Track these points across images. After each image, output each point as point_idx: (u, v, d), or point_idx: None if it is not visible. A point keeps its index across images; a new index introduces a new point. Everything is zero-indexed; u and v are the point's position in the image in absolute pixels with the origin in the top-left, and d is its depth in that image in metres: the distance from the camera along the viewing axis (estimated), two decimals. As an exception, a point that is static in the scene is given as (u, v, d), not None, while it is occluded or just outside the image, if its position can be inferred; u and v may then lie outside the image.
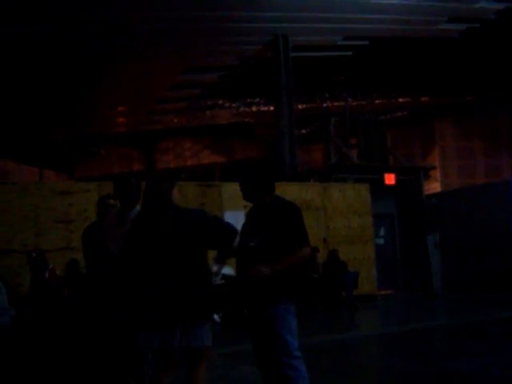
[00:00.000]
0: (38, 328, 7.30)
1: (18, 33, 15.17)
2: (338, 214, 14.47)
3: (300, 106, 23.49)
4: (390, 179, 16.96)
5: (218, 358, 7.24)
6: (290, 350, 4.26)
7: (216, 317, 11.47)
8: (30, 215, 11.21)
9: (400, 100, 25.58)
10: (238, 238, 4.53)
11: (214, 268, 11.93)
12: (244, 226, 4.69)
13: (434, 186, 24.76)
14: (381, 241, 17.25)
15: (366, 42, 18.88)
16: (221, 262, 11.70)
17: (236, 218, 11.31)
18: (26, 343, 7.10)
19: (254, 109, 25.23)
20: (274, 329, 4.26)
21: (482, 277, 14.69)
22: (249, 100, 24.92)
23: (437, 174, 25.70)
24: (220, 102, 25.00)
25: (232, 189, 13.08)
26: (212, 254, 5.40)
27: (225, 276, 11.91)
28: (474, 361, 6.98)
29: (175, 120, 26.59)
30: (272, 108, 21.58)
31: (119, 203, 5.02)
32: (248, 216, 4.74)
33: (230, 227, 4.58)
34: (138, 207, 4.96)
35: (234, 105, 25.17)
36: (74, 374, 6.41)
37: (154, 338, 4.19)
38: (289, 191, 14.17)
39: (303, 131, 25.13)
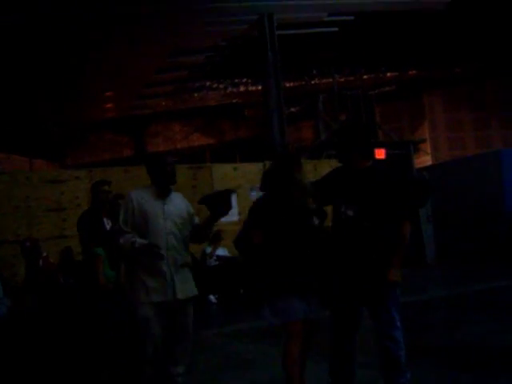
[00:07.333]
0: (35, 317, 7.32)
1: (3, 21, 15.03)
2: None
3: (288, 85, 23.41)
4: (380, 154, 16.94)
5: (215, 338, 7.29)
6: (394, 322, 4.28)
7: (212, 297, 11.54)
8: (22, 205, 11.20)
9: (388, 74, 25.53)
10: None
11: (208, 249, 12.01)
12: (327, 185, 4.57)
13: (424, 159, 24.84)
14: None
15: (352, 18, 18.79)
16: (213, 242, 11.80)
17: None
18: (24, 333, 7.11)
19: (242, 89, 25.14)
20: (383, 302, 4.27)
21: (475, 247, 14.78)
22: (236, 80, 24.84)
23: (427, 147, 25.76)
24: (208, 83, 24.90)
25: (223, 170, 13.10)
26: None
27: (219, 257, 11.97)
28: (474, 330, 7.06)
29: (163, 103, 26.48)
30: (260, 87, 21.52)
31: (155, 183, 4.87)
32: (335, 177, 4.57)
33: None
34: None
35: (221, 86, 25.08)
36: (72, 363, 6.44)
37: (297, 308, 4.28)
38: (280, 170, 14.19)
39: (292, 109, 25.07)
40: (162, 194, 4.83)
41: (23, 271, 8.75)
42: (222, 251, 12.09)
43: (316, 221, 4.52)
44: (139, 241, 4.60)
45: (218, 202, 4.73)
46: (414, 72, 25.54)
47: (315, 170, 14.31)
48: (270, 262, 4.34)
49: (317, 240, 4.46)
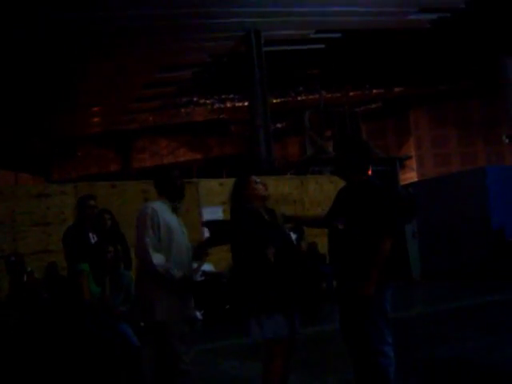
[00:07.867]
0: (20, 332, 7.25)
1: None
2: (316, 207, 14.46)
3: (275, 101, 23.53)
4: (366, 170, 17.03)
5: (200, 354, 7.25)
6: (383, 337, 4.26)
7: (198, 314, 11.47)
8: (7, 219, 11.08)
9: (374, 91, 25.71)
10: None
11: (194, 265, 11.95)
12: (333, 204, 4.60)
13: (410, 176, 24.97)
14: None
15: (339, 35, 18.93)
16: (199, 258, 11.74)
17: (213, 213, 11.32)
18: (9, 348, 7.04)
19: (229, 105, 25.23)
20: (368, 315, 4.23)
21: (460, 264, 14.81)
22: (223, 96, 24.92)
23: (413, 163, 25.92)
24: (195, 99, 24.96)
25: (209, 185, 13.07)
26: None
27: (205, 273, 11.93)
28: (460, 347, 7.05)
29: (151, 118, 26.51)
30: (247, 103, 21.59)
31: (167, 198, 4.64)
32: (338, 194, 4.61)
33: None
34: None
35: (208, 101, 25.15)
36: (55, 377, 6.38)
37: (284, 325, 4.26)
38: (266, 186, 14.18)
39: (278, 125, 25.19)
40: (175, 208, 4.64)
41: (7, 286, 8.67)
42: (207, 266, 12.04)
43: (293, 236, 4.55)
44: (175, 271, 4.41)
45: (221, 232, 4.66)
46: (399, 89, 25.73)
47: (302, 185, 14.33)
48: (262, 278, 4.31)
49: (298, 256, 4.48)
